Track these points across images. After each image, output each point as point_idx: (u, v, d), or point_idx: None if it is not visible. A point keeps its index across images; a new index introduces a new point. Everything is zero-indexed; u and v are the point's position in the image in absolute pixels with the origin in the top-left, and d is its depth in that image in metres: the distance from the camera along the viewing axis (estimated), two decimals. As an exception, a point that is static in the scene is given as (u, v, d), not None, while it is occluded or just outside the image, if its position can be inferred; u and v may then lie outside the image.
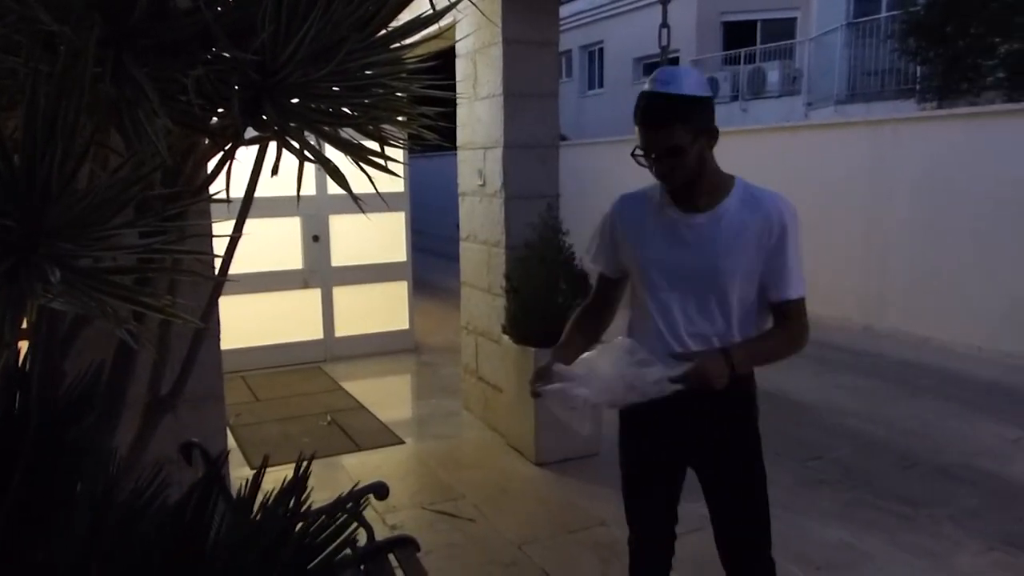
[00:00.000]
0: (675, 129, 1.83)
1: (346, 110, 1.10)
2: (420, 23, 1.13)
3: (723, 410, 2.03)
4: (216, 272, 1.40)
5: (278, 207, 5.54)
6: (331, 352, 6.73)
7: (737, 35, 17.15)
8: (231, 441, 3.53)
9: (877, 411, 5.13)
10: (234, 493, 1.13)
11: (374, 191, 1.23)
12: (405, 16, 1.13)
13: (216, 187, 1.23)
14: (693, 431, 2.07)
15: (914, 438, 4.65)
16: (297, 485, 1.04)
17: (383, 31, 1.08)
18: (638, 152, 1.90)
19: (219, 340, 2.69)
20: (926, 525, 3.54)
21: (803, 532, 3.45)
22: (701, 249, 1.94)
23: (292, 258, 6.54)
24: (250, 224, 1.34)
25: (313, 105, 1.02)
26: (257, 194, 1.28)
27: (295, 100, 1.00)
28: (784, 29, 16.47)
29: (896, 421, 4.90)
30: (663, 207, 2.00)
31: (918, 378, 5.91)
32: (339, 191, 1.12)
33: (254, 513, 1.04)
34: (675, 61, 16.23)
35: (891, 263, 7.41)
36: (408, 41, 1.12)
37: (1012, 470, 4.18)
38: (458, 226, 5.22)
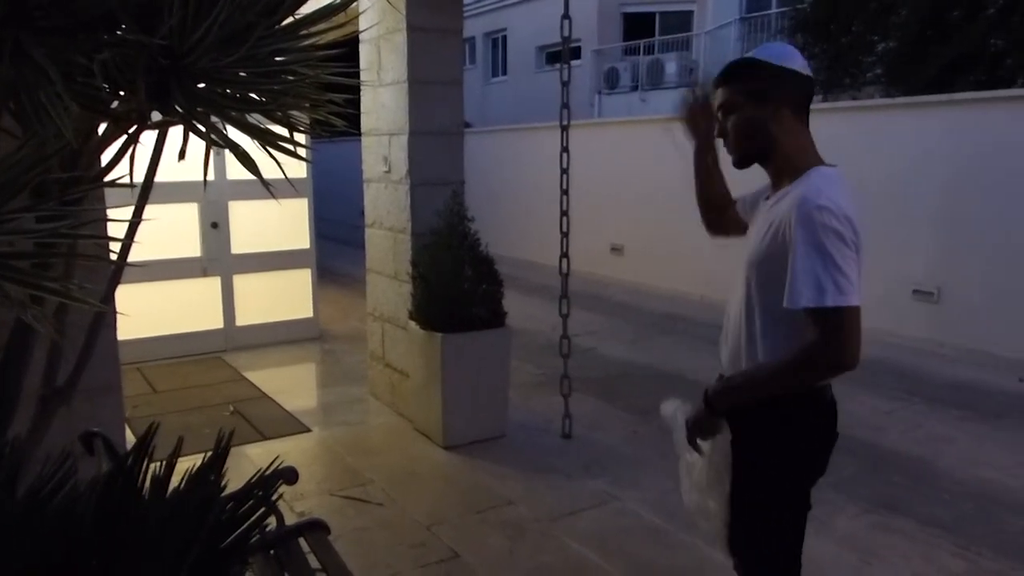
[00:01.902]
0: (731, 86, 1.84)
1: (254, 95, 1.10)
2: (329, 10, 1.14)
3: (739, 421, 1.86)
4: (116, 259, 1.37)
5: (175, 192, 5.37)
6: (232, 342, 6.57)
7: (637, 26, 17.57)
8: (130, 434, 3.42)
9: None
10: (140, 482, 1.12)
11: (277, 176, 1.24)
12: (313, 3, 1.14)
13: (117, 172, 1.21)
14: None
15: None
16: (216, 462, 1.05)
17: (291, 18, 1.09)
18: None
19: (116, 329, 2.61)
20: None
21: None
22: (749, 239, 1.91)
23: (190, 245, 6.33)
24: (146, 210, 1.32)
25: (220, 90, 1.02)
26: (155, 178, 1.27)
27: (202, 85, 1.00)
28: (681, 22, 16.98)
29: (784, 397, 5.20)
30: (767, 195, 1.94)
31: (804, 356, 6.26)
32: (239, 176, 1.12)
33: (167, 496, 1.04)
34: (577, 51, 16.49)
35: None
36: (316, 28, 1.13)
37: (886, 439, 4.51)
38: (363, 213, 5.18)
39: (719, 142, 1.97)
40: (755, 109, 1.80)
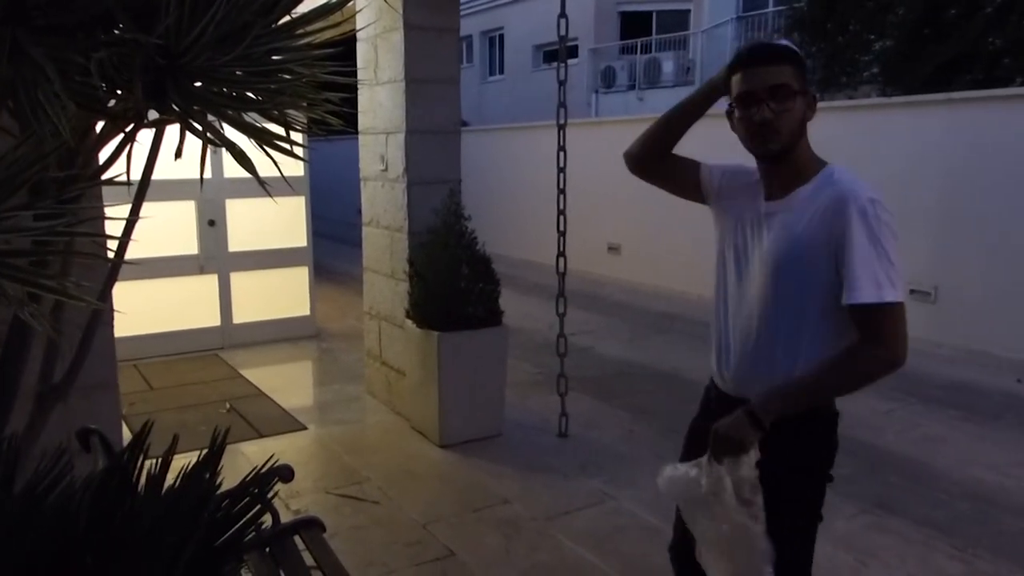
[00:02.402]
0: (783, 67, 1.66)
1: (250, 94, 1.11)
2: (325, 9, 1.14)
3: (783, 441, 1.72)
4: (113, 256, 1.38)
5: (171, 190, 5.37)
6: (229, 339, 6.57)
7: (633, 25, 17.58)
8: (126, 431, 3.42)
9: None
10: (135, 479, 1.13)
11: (273, 175, 1.24)
12: (310, 2, 1.15)
13: (114, 170, 1.21)
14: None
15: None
16: (212, 459, 1.05)
17: (288, 17, 1.09)
18: (733, 104, 1.73)
19: (112, 327, 2.61)
20: (806, 492, 3.79)
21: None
22: (764, 238, 1.76)
23: (187, 243, 6.33)
24: (144, 208, 1.32)
25: (217, 89, 1.02)
26: (152, 177, 1.27)
27: (199, 84, 1.01)
28: (678, 21, 16.99)
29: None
30: (757, 189, 1.83)
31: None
32: (236, 175, 1.12)
33: (163, 493, 1.05)
34: (574, 50, 16.50)
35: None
36: (312, 27, 1.14)
37: (883, 439, 4.52)
38: (360, 211, 5.18)
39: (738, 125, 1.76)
40: (803, 101, 1.70)
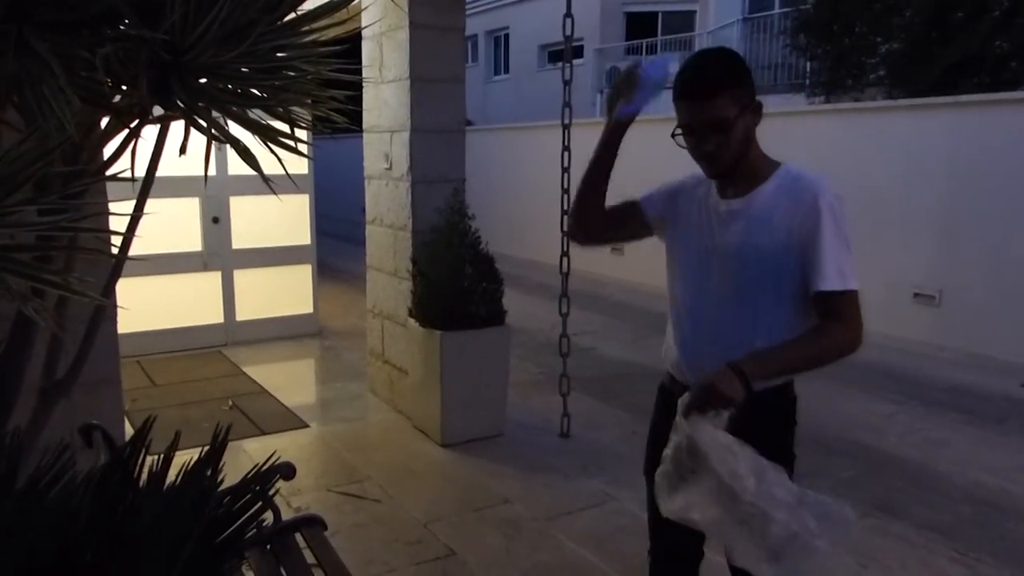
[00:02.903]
0: (717, 100, 1.70)
1: (255, 91, 1.10)
2: (331, 6, 1.14)
3: (755, 416, 1.76)
4: (116, 252, 1.38)
5: (176, 187, 5.37)
6: (232, 336, 6.57)
7: (639, 26, 17.56)
8: (129, 427, 3.43)
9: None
10: (136, 476, 1.13)
11: (278, 172, 1.24)
12: None
13: (118, 166, 1.21)
14: None
15: (798, 415, 4.93)
16: (213, 456, 1.05)
17: (293, 14, 1.09)
18: (678, 132, 1.77)
19: (116, 323, 2.61)
20: (807, 494, 3.79)
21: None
22: (728, 235, 1.82)
23: (190, 240, 6.34)
24: (148, 204, 1.32)
25: (222, 86, 1.02)
26: (157, 173, 1.27)
27: (203, 80, 1.01)
28: (684, 21, 16.98)
29: (783, 398, 5.19)
30: (709, 191, 1.89)
31: (803, 358, 6.27)
32: (240, 172, 1.12)
33: (166, 490, 1.05)
34: (579, 50, 16.48)
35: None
36: (317, 24, 1.14)
37: (885, 442, 4.51)
38: (363, 210, 5.18)
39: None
40: (748, 119, 1.76)
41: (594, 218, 2.04)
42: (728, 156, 1.75)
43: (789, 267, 1.77)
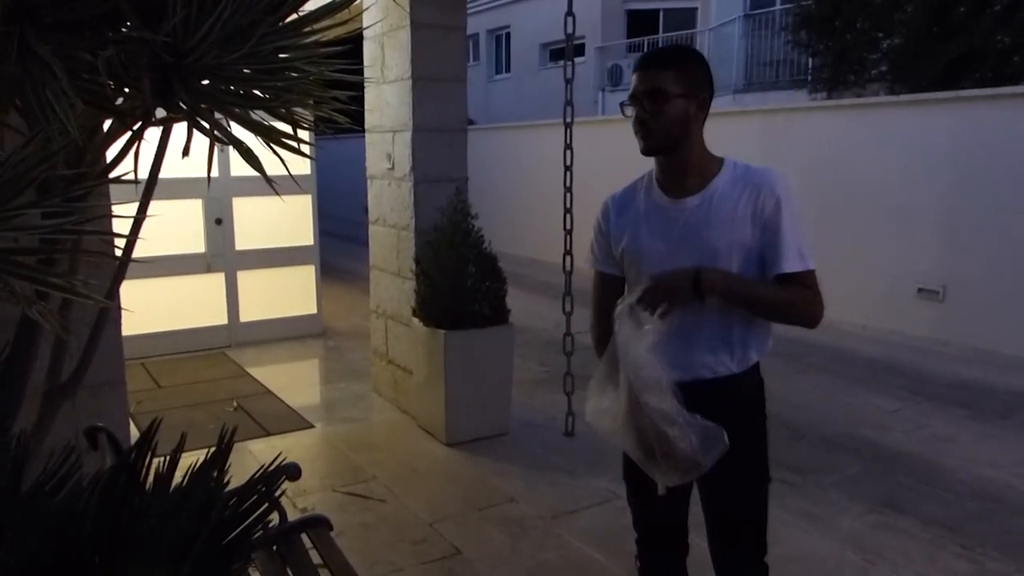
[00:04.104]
0: (663, 73, 1.81)
1: (257, 92, 1.10)
2: (332, 7, 1.14)
3: (729, 402, 1.92)
4: (120, 254, 1.38)
5: (179, 189, 5.37)
6: (236, 338, 6.58)
7: (640, 23, 17.53)
8: (134, 429, 3.43)
9: (769, 386, 5.40)
10: (142, 478, 1.13)
11: (281, 173, 1.24)
12: (316, 0, 1.14)
13: (121, 168, 1.21)
14: None
15: (802, 411, 4.94)
16: (219, 457, 1.05)
17: (295, 15, 1.09)
18: (627, 103, 1.88)
19: (120, 325, 2.62)
20: (812, 491, 3.79)
21: (698, 501, 3.64)
22: (695, 233, 1.88)
23: (194, 242, 6.35)
24: (151, 206, 1.32)
25: (224, 87, 1.02)
26: (159, 175, 1.27)
27: (206, 82, 1.01)
28: (685, 18, 16.94)
29: (787, 395, 5.19)
30: (652, 196, 1.96)
31: (807, 355, 6.26)
32: (243, 173, 1.12)
33: (172, 492, 1.05)
34: (581, 48, 16.47)
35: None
36: (319, 25, 1.13)
37: (890, 438, 4.50)
38: (366, 210, 5.18)
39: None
40: (691, 105, 1.84)
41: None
42: (659, 129, 1.83)
43: (756, 253, 1.86)
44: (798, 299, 1.87)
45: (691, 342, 1.90)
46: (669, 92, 1.80)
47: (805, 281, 1.85)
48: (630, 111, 1.88)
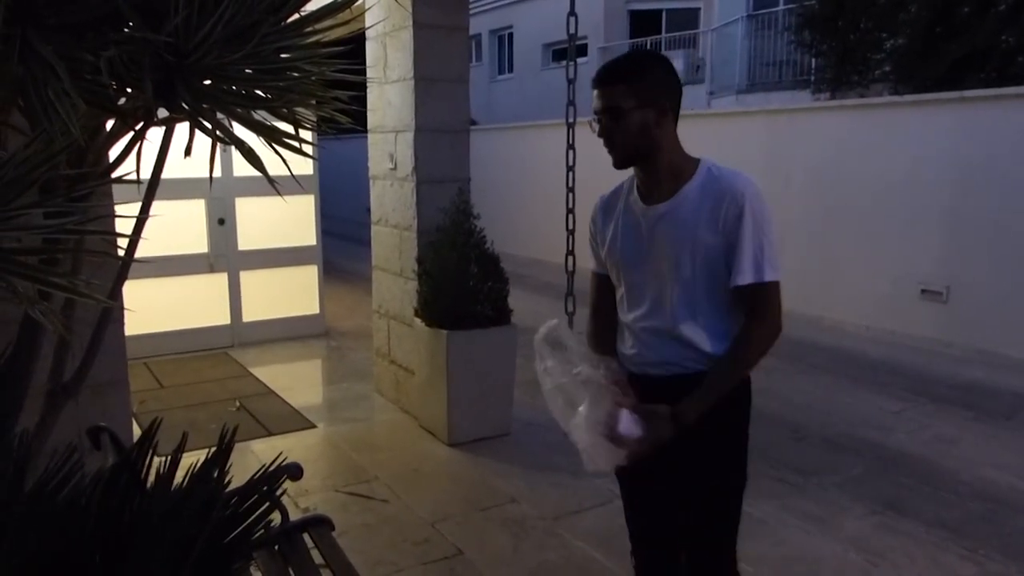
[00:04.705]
0: (616, 89, 1.82)
1: (259, 92, 1.11)
2: (334, 7, 1.14)
3: (713, 414, 1.89)
4: (123, 254, 1.38)
5: (181, 189, 5.38)
6: (239, 338, 6.59)
7: (643, 24, 17.51)
8: (136, 429, 3.44)
9: (772, 387, 5.41)
10: (143, 477, 1.13)
11: (283, 173, 1.24)
12: (318, 0, 1.14)
13: (123, 168, 1.22)
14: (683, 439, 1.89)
15: (805, 412, 4.93)
16: (220, 457, 1.05)
17: (296, 15, 1.09)
18: (594, 118, 1.88)
19: (123, 325, 2.62)
20: (815, 492, 3.78)
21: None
22: (660, 240, 1.89)
23: (197, 242, 6.35)
24: (154, 206, 1.33)
25: (226, 87, 1.02)
26: (162, 175, 1.27)
27: (208, 82, 1.01)
28: (688, 19, 16.91)
29: (789, 396, 5.18)
30: (629, 201, 1.98)
31: (810, 355, 6.25)
32: (245, 173, 1.12)
33: (173, 492, 1.05)
34: (583, 48, 16.46)
35: (786, 247, 7.77)
36: (321, 25, 1.14)
37: (893, 440, 4.50)
38: (369, 210, 5.19)
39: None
40: (649, 115, 1.83)
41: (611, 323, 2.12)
42: (621, 144, 1.84)
43: (721, 263, 1.85)
44: (754, 344, 1.87)
45: (663, 338, 1.93)
46: (623, 107, 1.81)
47: (757, 294, 1.84)
48: (597, 127, 1.89)
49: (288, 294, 6.89)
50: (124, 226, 1.32)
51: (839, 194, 7.23)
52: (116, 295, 1.43)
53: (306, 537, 2.04)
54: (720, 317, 1.90)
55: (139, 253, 1.38)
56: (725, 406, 1.90)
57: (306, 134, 1.22)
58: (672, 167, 1.89)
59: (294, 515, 2.10)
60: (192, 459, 1.13)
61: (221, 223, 6.44)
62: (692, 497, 2.02)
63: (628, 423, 1.81)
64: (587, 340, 2.14)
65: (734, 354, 1.88)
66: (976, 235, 6.29)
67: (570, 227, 4.47)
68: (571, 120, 4.37)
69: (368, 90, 4.89)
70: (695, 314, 1.89)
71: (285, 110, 1.15)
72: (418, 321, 4.46)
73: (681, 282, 1.88)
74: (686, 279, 1.88)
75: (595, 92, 1.86)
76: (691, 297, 1.89)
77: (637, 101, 1.81)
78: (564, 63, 4.49)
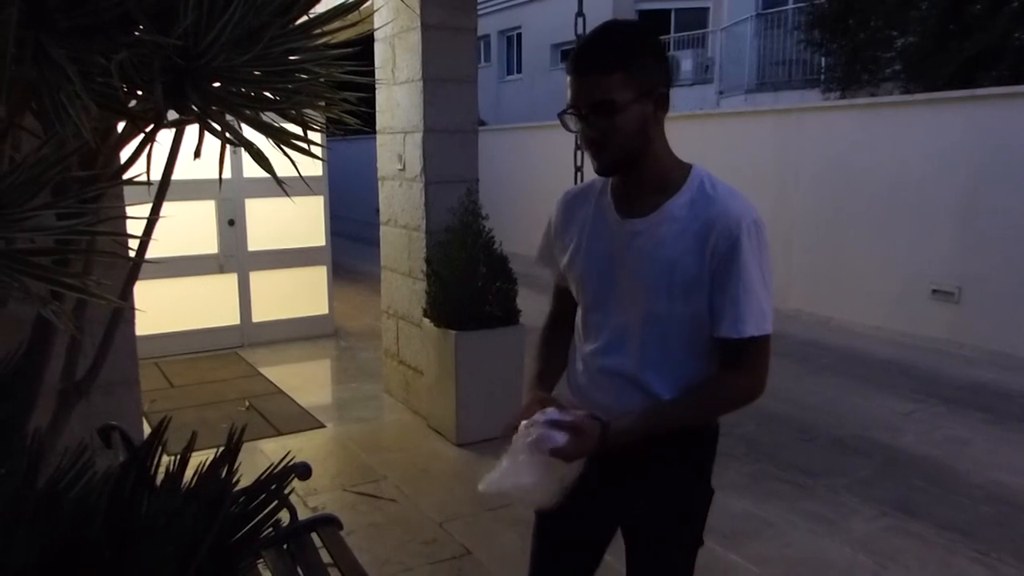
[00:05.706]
0: (609, 78, 1.42)
1: (268, 94, 1.11)
2: (343, 9, 1.15)
3: (669, 457, 1.62)
4: (133, 255, 1.39)
5: (191, 190, 5.40)
6: (248, 338, 6.62)
7: (652, 23, 17.48)
8: (147, 428, 3.46)
9: (781, 388, 5.39)
10: (152, 475, 1.14)
11: (292, 174, 1.25)
12: (327, 2, 1.15)
13: (134, 170, 1.23)
14: (629, 482, 1.67)
15: (814, 413, 4.92)
16: (229, 456, 1.06)
17: (305, 17, 1.10)
18: (568, 111, 1.49)
19: (134, 325, 2.64)
20: (824, 494, 3.77)
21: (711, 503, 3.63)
22: (633, 263, 1.55)
23: (207, 242, 6.39)
24: (164, 207, 1.34)
25: (235, 89, 1.03)
26: (172, 177, 1.29)
27: (217, 84, 1.02)
28: (697, 18, 16.89)
29: (798, 397, 5.17)
30: (602, 207, 1.62)
31: (820, 356, 6.24)
32: (255, 174, 1.13)
33: (181, 490, 1.06)
34: (593, 48, 16.38)
35: (795, 247, 7.77)
36: (329, 27, 1.14)
37: (903, 441, 4.48)
38: (377, 211, 5.20)
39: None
40: (648, 108, 1.47)
41: (569, 332, 1.80)
42: (615, 147, 1.47)
43: (702, 301, 1.51)
44: (727, 395, 1.56)
45: (622, 383, 1.60)
46: (619, 101, 1.42)
47: (740, 350, 1.50)
48: (573, 124, 1.50)
49: (297, 295, 6.92)
50: (135, 227, 1.33)
51: (849, 193, 7.21)
52: (127, 295, 1.44)
53: (314, 536, 2.05)
54: (693, 365, 1.57)
55: (150, 254, 1.39)
56: (689, 442, 1.62)
57: (315, 135, 1.23)
58: (659, 174, 1.54)
59: (303, 514, 2.11)
60: (201, 458, 1.13)
61: (231, 224, 6.47)
62: (631, 547, 1.76)
63: (552, 417, 1.55)
64: (540, 346, 1.84)
65: (701, 396, 1.56)
66: (988, 235, 6.26)
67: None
68: (579, 120, 4.37)
69: (376, 91, 4.91)
70: (664, 359, 1.56)
71: (294, 112, 1.15)
72: (427, 321, 4.47)
73: (652, 317, 1.54)
74: (659, 314, 1.53)
75: (574, 81, 1.46)
76: (663, 337, 1.55)
77: (635, 92, 1.43)
78: (572, 63, 4.46)
